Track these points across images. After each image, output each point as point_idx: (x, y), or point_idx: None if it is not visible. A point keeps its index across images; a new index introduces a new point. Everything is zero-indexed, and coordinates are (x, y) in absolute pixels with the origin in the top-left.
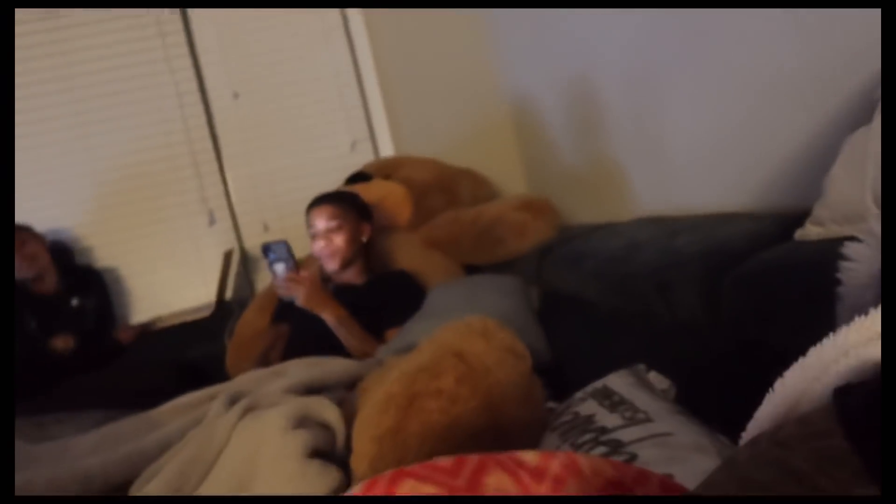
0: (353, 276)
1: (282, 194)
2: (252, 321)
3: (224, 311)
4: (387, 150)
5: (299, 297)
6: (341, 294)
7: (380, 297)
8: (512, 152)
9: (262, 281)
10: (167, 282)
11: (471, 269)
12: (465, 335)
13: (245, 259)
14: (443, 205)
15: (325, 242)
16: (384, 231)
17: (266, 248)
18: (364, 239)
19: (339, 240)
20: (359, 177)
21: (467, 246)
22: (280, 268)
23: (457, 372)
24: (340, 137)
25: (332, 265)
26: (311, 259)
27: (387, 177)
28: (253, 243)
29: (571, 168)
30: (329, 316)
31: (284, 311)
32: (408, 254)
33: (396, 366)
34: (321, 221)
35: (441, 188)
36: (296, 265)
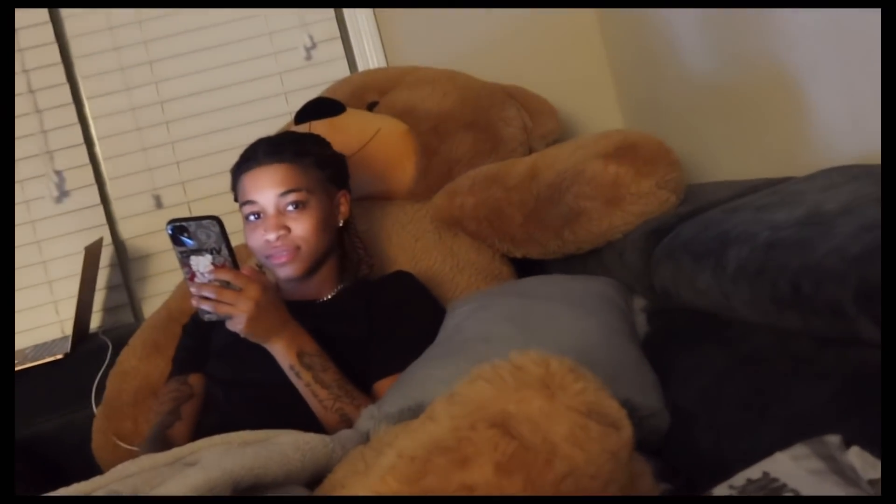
0: (318, 287)
1: (186, 145)
2: (138, 368)
3: (86, 352)
4: (371, 57)
5: (238, 316)
6: (300, 318)
7: (364, 322)
8: (595, 57)
9: (156, 294)
10: None
11: (523, 267)
12: (512, 388)
13: (123, 258)
14: (472, 153)
15: (277, 232)
16: (370, 204)
17: (177, 230)
18: (341, 221)
19: (303, 226)
20: (322, 107)
21: (516, 225)
22: (202, 262)
23: (498, 453)
24: (287, 38)
25: (289, 271)
26: (245, 253)
27: (372, 106)
28: (136, 230)
29: (704, 85)
30: (286, 352)
31: (198, 346)
32: (411, 243)
33: (393, 444)
34: (267, 193)
35: (469, 123)
36: (232, 257)
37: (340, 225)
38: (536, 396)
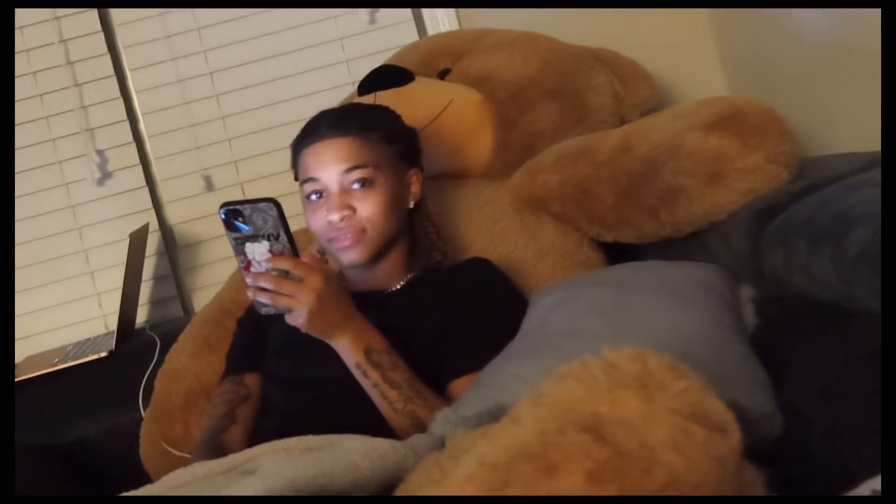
0: (386, 276)
1: (238, 120)
2: (189, 367)
3: (132, 349)
4: (441, 19)
5: (298, 309)
6: (367, 310)
7: (437, 315)
8: (695, 15)
9: (208, 286)
10: (20, 297)
11: (614, 253)
12: (605, 387)
13: (171, 246)
14: (556, 124)
15: (341, 212)
16: (442, 183)
17: (230, 214)
18: (412, 202)
19: (370, 206)
20: (388, 76)
21: (607, 205)
22: (258, 249)
23: (590, 460)
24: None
25: (353, 256)
26: (305, 239)
27: (443, 74)
28: (185, 214)
29: (821, 43)
30: (352, 349)
31: (255, 342)
32: (489, 226)
33: (472, 450)
34: (330, 169)
35: (553, 92)
36: (291, 243)
37: (411, 206)
38: (633, 397)
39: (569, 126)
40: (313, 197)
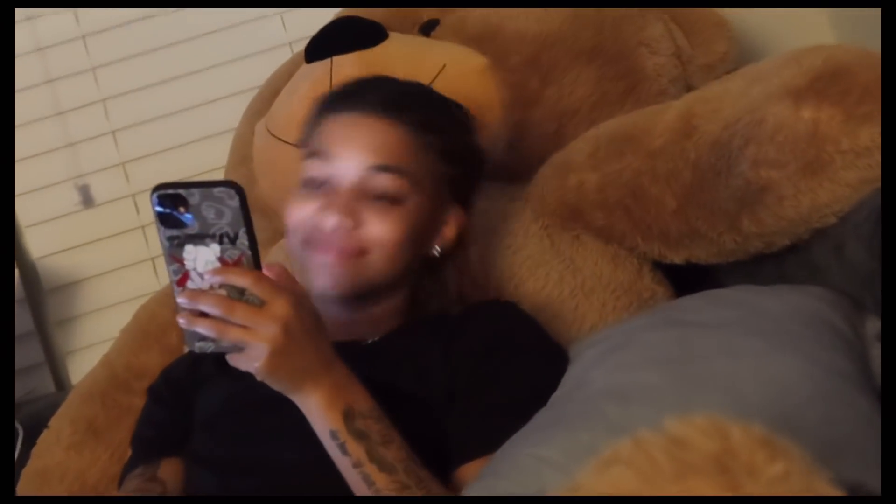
0: (369, 323)
1: (124, 103)
2: (66, 465)
3: None
4: None
5: (254, 347)
6: (351, 360)
7: (442, 375)
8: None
9: (90, 345)
10: None
11: (685, 281)
12: (670, 475)
13: (33, 290)
14: (595, 98)
15: (341, 217)
16: None
17: (169, 200)
18: (437, 248)
19: (385, 227)
20: (350, 33)
21: (668, 212)
22: (203, 255)
23: None
24: None
25: (330, 279)
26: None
27: (429, 28)
28: (54, 242)
29: None
30: (327, 410)
31: (174, 416)
32: (506, 254)
33: None
34: (356, 157)
35: (590, 52)
36: (254, 251)
37: (434, 254)
38: (710, 486)
39: (613, 100)
40: (311, 182)
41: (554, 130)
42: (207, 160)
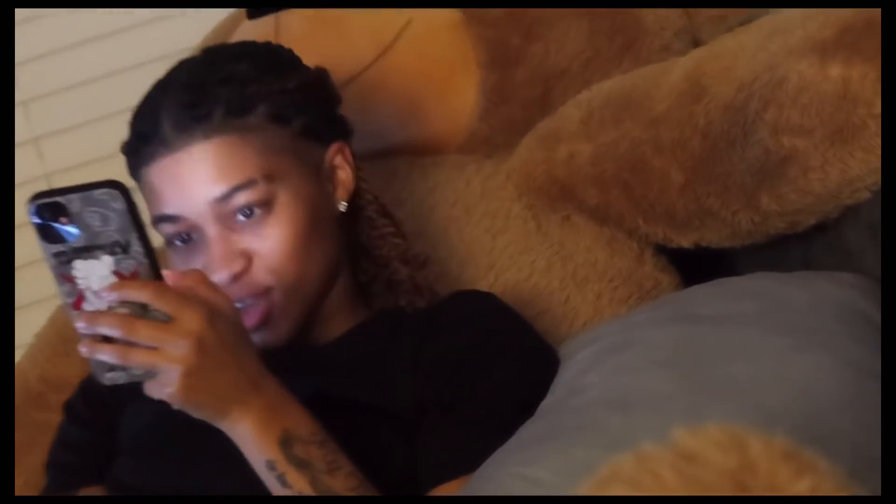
0: (320, 324)
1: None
2: None
3: None
4: None
5: (165, 370)
6: (286, 375)
7: (409, 382)
8: None
9: None
10: None
11: (693, 267)
12: (681, 493)
13: None
14: (588, 56)
15: (229, 269)
16: (397, 165)
17: (46, 211)
18: (341, 202)
19: (272, 245)
20: None
21: (674, 188)
22: (96, 270)
23: None
24: None
25: (269, 338)
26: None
27: None
28: None
29: None
30: (260, 437)
31: (95, 438)
32: (485, 238)
33: None
34: (194, 200)
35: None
36: (150, 256)
37: (342, 209)
38: None
39: (608, 58)
40: (178, 242)
41: (539, 94)
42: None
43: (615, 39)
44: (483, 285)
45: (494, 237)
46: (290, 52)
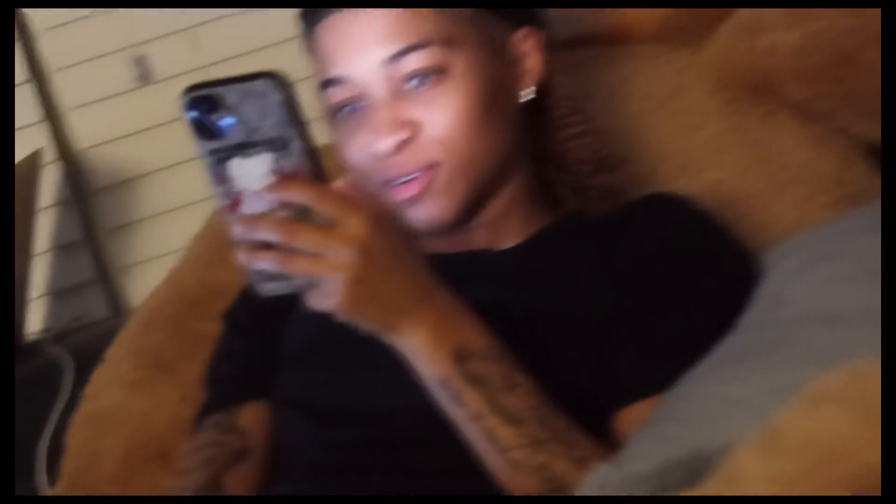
0: (494, 228)
1: None
2: (127, 407)
3: (26, 378)
4: None
5: (329, 280)
6: (461, 283)
7: (596, 291)
8: None
9: (151, 258)
10: None
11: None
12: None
13: (80, 189)
14: None
15: (394, 135)
16: (583, 56)
17: (202, 104)
18: (527, 90)
19: (445, 115)
20: None
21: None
22: (254, 169)
23: None
24: None
25: (430, 212)
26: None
27: None
28: (105, 130)
29: None
30: (433, 353)
31: (256, 350)
32: (680, 134)
33: None
34: (367, 59)
35: None
36: (312, 156)
37: (527, 98)
38: None
39: None
40: (344, 111)
41: None
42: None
43: None
44: (678, 187)
45: (690, 134)
46: None
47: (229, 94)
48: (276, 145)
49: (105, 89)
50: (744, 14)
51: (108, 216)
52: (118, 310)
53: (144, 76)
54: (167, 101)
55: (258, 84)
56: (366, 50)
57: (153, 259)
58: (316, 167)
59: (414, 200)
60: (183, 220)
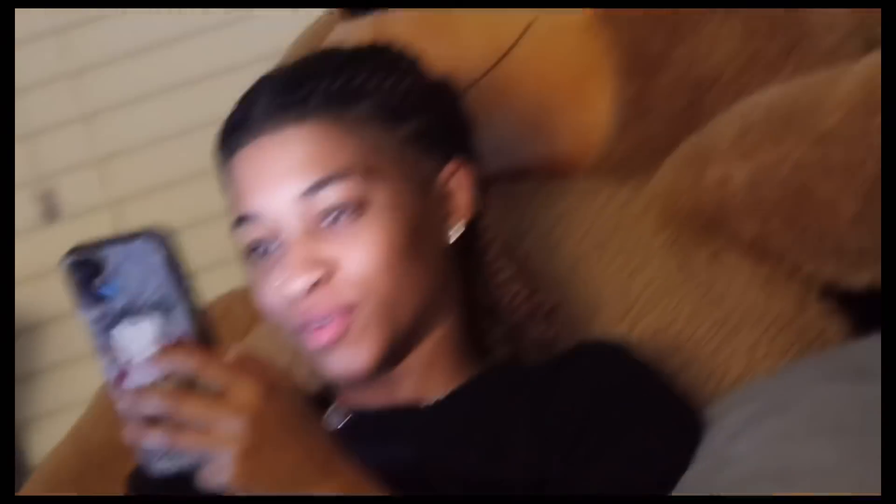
0: (417, 380)
1: (101, 76)
2: None
3: None
4: None
5: (218, 455)
6: (377, 447)
7: (529, 453)
8: None
9: (58, 412)
10: None
11: (861, 308)
12: None
13: None
14: (743, 60)
15: (309, 274)
16: (520, 190)
17: (82, 268)
18: (454, 230)
19: (363, 252)
20: None
21: (844, 219)
22: (139, 337)
23: None
24: None
25: (348, 361)
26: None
27: None
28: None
29: None
30: None
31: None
32: (621, 276)
33: None
34: (279, 192)
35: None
36: (196, 318)
37: (453, 238)
38: None
39: (767, 63)
40: (257, 254)
41: (685, 106)
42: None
43: (775, 41)
44: (617, 333)
45: (631, 276)
46: (413, 57)
47: (111, 257)
48: (160, 309)
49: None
50: (689, 144)
51: (18, 364)
52: (18, 466)
53: (51, 212)
54: (76, 240)
55: (138, 244)
56: (279, 183)
57: (55, 412)
58: (203, 331)
59: (329, 347)
60: (88, 370)
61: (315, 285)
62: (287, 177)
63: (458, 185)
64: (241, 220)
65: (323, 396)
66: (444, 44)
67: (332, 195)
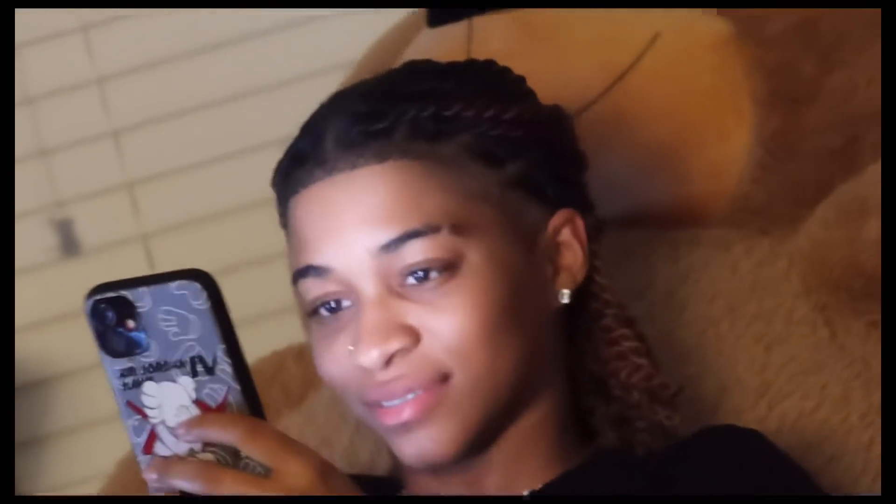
0: (509, 468)
1: (127, 88)
2: None
3: None
4: None
5: None
6: None
7: None
8: None
9: (76, 482)
10: None
11: None
12: None
13: None
14: None
15: (386, 345)
16: (627, 241)
17: (109, 309)
18: (565, 292)
19: (454, 321)
20: None
21: None
22: (171, 396)
23: None
24: None
25: (429, 444)
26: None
27: None
28: (24, 312)
29: None
30: None
31: None
32: (755, 351)
33: None
34: (353, 246)
35: None
36: (243, 381)
37: (563, 302)
38: None
39: None
40: (323, 310)
41: (840, 146)
42: (252, 184)
43: None
44: (749, 418)
45: (769, 348)
46: (520, 78)
47: (143, 299)
48: (200, 365)
49: (20, 258)
50: (845, 191)
51: (20, 427)
52: None
53: (69, 245)
54: (99, 278)
55: (175, 286)
56: (355, 233)
57: (67, 486)
58: (249, 393)
59: (407, 427)
60: (108, 436)
61: (393, 356)
62: (365, 226)
63: (570, 238)
64: (306, 272)
65: (391, 481)
66: (549, 59)
67: (418, 250)
